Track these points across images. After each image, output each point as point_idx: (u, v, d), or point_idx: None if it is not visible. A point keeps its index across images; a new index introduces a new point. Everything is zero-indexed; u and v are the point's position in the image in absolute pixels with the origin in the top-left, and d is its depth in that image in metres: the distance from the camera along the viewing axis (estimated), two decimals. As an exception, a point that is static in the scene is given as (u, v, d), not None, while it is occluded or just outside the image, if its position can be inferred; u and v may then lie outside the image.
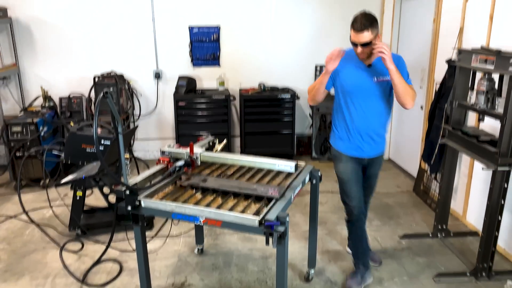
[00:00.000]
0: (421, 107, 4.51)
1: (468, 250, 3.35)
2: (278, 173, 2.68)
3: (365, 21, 2.37)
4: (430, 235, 3.54)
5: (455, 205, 3.88)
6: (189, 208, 2.17)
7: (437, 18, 4.13)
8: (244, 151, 5.31)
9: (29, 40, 5.15)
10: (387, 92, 2.62)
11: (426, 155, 3.94)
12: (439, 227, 3.52)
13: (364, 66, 2.58)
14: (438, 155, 3.74)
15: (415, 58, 4.67)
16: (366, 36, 2.38)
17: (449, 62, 3.61)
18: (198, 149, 2.78)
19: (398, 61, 2.54)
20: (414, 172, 4.68)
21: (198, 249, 3.35)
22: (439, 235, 3.52)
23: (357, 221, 2.81)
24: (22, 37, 5.12)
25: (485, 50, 2.94)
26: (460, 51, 3.18)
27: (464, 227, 3.72)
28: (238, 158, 2.84)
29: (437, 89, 3.87)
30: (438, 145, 3.65)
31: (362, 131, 2.66)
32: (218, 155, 2.85)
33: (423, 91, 4.48)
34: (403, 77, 2.48)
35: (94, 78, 4.96)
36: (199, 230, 3.31)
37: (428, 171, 4.22)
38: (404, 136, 5.15)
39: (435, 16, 4.16)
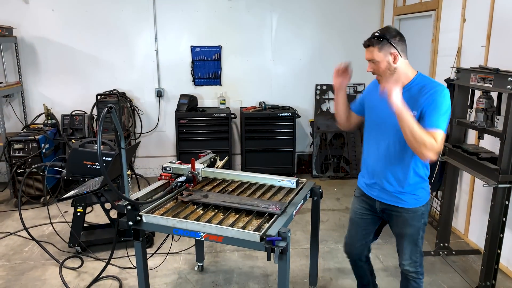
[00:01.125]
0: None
1: (471, 268, 3.33)
2: (280, 189, 2.68)
3: (373, 37, 2.10)
4: (432, 253, 3.51)
5: (457, 223, 3.87)
6: (190, 224, 2.17)
7: (435, 38, 4.21)
8: (245, 168, 5.32)
9: (33, 59, 5.22)
10: None
11: (427, 173, 3.94)
12: (441, 245, 3.50)
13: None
14: (439, 173, 3.75)
15: (414, 77, 4.71)
16: (371, 52, 2.10)
17: (448, 81, 3.66)
18: (199, 165, 2.79)
19: (433, 95, 2.02)
20: (415, 190, 4.67)
21: (198, 266, 3.32)
22: (441, 253, 3.50)
23: (353, 264, 2.63)
24: (26, 56, 5.20)
25: (483, 69, 2.98)
26: (459, 70, 3.23)
27: (466, 245, 3.70)
28: (239, 174, 2.85)
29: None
30: (438, 163, 3.66)
31: (374, 169, 2.30)
32: (220, 171, 2.86)
33: (423, 110, 4.51)
34: (429, 117, 2.00)
35: (97, 96, 5.01)
36: (199, 247, 3.30)
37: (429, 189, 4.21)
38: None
39: (433, 36, 4.23)
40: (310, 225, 2.85)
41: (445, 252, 3.50)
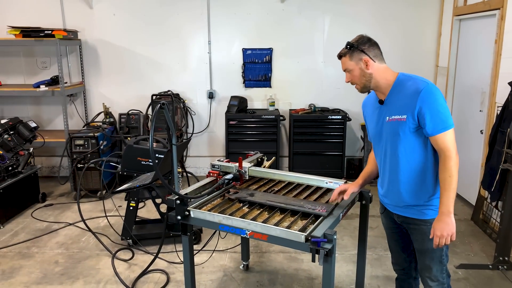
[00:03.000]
0: (481, 132, 4.29)
1: (534, 285, 3.09)
2: (327, 191, 2.64)
3: (344, 47, 2.09)
4: (490, 267, 3.30)
5: (519, 236, 3.60)
6: (236, 220, 2.19)
7: (499, 39, 3.96)
8: (292, 171, 5.30)
9: (95, 60, 5.54)
10: (409, 135, 2.00)
11: (487, 182, 3.71)
12: (500, 258, 3.28)
13: (377, 104, 2.14)
14: (500, 182, 3.51)
15: (475, 80, 4.48)
16: (343, 62, 2.10)
17: (512, 83, 3.43)
18: (246, 164, 2.82)
19: (426, 94, 1.92)
20: (473, 199, 4.42)
21: (243, 265, 3.35)
22: (500, 267, 3.28)
23: (397, 279, 2.51)
24: (89, 57, 5.52)
25: (552, 70, 2.77)
26: (524, 72, 3.02)
27: (529, 261, 3.44)
28: (286, 174, 2.84)
29: (498, 112, 3.68)
30: (499, 171, 3.44)
31: (383, 180, 2.21)
32: (266, 170, 2.87)
33: (483, 115, 4.27)
34: (435, 119, 1.91)
35: (152, 96, 5.21)
36: (245, 246, 3.32)
37: (488, 199, 3.97)
38: (462, 162, 4.86)
39: (497, 37, 3.99)
40: (358, 231, 2.78)
41: (505, 267, 3.27)
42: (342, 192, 2.33)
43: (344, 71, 2.12)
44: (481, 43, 4.41)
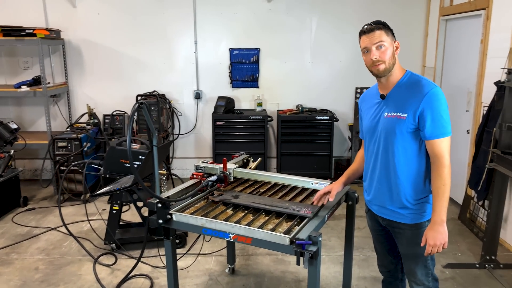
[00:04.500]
0: (468, 131, 4.29)
1: (521, 285, 3.09)
2: (313, 192, 2.59)
3: (378, 22, 1.96)
4: (477, 266, 3.29)
5: (505, 234, 3.61)
6: (219, 224, 2.13)
7: (484, 39, 3.97)
8: (280, 171, 5.25)
9: (78, 60, 5.42)
10: (405, 134, 1.95)
11: (473, 181, 3.71)
12: (487, 257, 3.27)
13: (379, 98, 2.07)
14: (486, 181, 3.51)
15: (461, 80, 4.48)
16: (379, 35, 1.92)
17: (498, 83, 3.43)
18: (231, 165, 2.76)
19: (432, 97, 1.88)
20: (460, 199, 4.42)
21: (229, 269, 3.29)
22: (487, 266, 3.27)
23: (383, 281, 2.45)
24: (73, 57, 5.41)
25: (537, 69, 2.77)
26: (511, 71, 3.02)
27: (516, 260, 3.44)
28: (271, 175, 2.79)
29: (485, 112, 3.68)
30: (486, 171, 3.44)
31: (371, 181, 2.15)
32: (251, 172, 2.82)
33: (470, 115, 4.27)
34: (435, 124, 1.88)
35: (137, 97, 5.12)
36: (231, 249, 3.26)
37: (475, 198, 3.98)
38: (448, 162, 4.91)
39: (483, 37, 3.99)
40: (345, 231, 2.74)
41: (492, 265, 3.27)
42: (327, 194, 2.28)
43: (375, 43, 1.93)
44: (467, 43, 4.41)
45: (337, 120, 5.32)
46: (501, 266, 3.26)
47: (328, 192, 2.28)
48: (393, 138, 1.97)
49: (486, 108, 3.67)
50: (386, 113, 2.00)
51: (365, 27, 1.97)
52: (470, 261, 3.41)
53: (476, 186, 3.64)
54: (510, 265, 3.30)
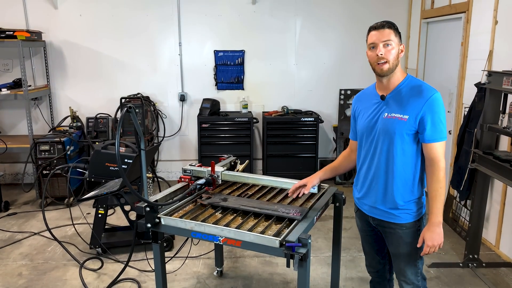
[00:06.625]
0: (449, 132, 4.39)
1: (502, 281, 3.16)
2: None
3: (388, 22, 2.01)
4: (461, 265, 3.36)
5: (487, 234, 3.69)
6: (208, 227, 2.13)
7: (465, 42, 4.06)
8: (266, 173, 5.26)
9: (60, 63, 5.34)
10: (404, 136, 1.98)
11: (455, 181, 3.79)
12: (470, 256, 3.34)
13: (378, 98, 2.09)
14: (468, 181, 3.59)
15: (443, 82, 4.57)
16: (388, 33, 1.96)
17: (479, 85, 3.52)
18: (219, 168, 2.76)
19: (433, 102, 1.93)
20: (443, 198, 4.51)
21: (217, 271, 3.28)
22: (470, 265, 3.34)
23: (371, 281, 2.48)
24: (54, 60, 5.32)
25: (516, 72, 2.85)
26: (490, 73, 3.09)
27: (497, 257, 3.52)
28: (259, 178, 2.80)
29: (466, 113, 3.76)
30: (468, 171, 3.52)
31: (364, 181, 2.17)
32: (239, 174, 2.82)
33: (451, 116, 4.37)
34: (434, 128, 1.93)
35: (121, 100, 5.07)
36: (218, 252, 3.25)
37: (457, 198, 4.06)
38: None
39: (463, 39, 4.09)
40: (332, 233, 2.77)
41: (475, 264, 3.34)
42: (303, 186, 2.32)
43: (383, 41, 1.96)
44: (448, 45, 4.51)
45: (322, 121, 5.37)
46: (484, 265, 3.33)
47: (304, 185, 2.31)
48: (392, 139, 2.00)
49: (467, 109, 3.75)
50: (386, 114, 2.02)
51: (380, 22, 2.01)
52: (453, 260, 3.48)
53: (459, 186, 3.73)
54: (492, 264, 3.37)
